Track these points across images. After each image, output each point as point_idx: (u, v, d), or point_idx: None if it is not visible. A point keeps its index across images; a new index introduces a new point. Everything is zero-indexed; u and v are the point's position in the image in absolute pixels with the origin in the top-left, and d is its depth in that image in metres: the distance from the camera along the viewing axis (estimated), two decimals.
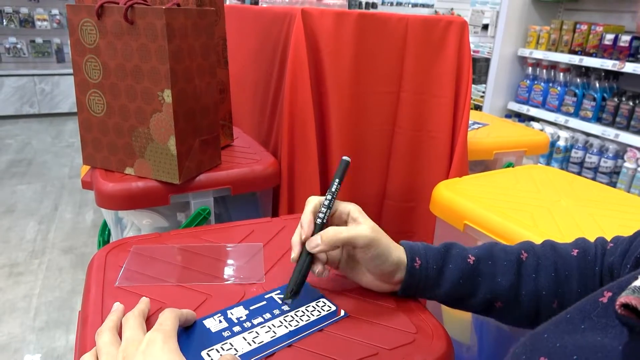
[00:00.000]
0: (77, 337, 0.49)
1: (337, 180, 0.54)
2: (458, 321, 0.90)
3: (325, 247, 0.50)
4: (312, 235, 0.51)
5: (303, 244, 0.51)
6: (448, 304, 0.55)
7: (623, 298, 0.28)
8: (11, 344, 1.55)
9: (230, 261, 0.61)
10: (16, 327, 1.63)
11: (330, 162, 1.00)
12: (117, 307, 0.48)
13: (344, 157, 0.56)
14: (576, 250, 0.52)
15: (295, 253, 0.51)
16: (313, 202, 0.53)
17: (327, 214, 0.52)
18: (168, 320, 0.43)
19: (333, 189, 0.53)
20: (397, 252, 0.52)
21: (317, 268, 0.51)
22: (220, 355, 0.44)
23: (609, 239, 0.53)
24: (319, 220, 0.52)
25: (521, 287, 0.51)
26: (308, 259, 0.51)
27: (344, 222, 0.53)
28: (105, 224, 1.04)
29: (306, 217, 0.52)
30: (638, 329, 0.27)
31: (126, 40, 0.75)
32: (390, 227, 1.11)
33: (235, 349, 0.45)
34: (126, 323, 0.44)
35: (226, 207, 0.94)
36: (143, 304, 0.48)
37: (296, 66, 0.91)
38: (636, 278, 0.30)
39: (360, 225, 0.51)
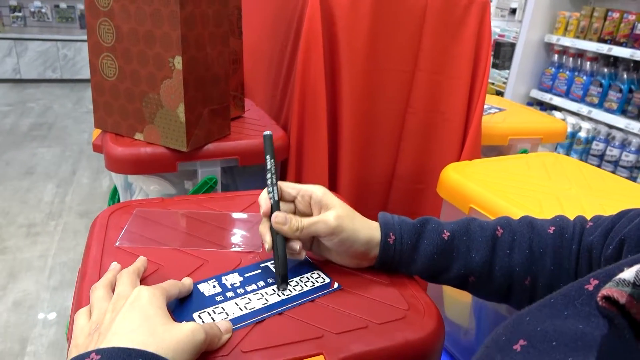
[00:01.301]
0: (75, 292, 0.51)
1: (267, 156, 0.55)
2: (458, 304, 0.90)
3: (290, 234, 0.51)
4: (272, 211, 0.52)
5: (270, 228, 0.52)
6: (424, 278, 0.55)
7: (606, 290, 0.28)
8: (26, 300, 1.61)
9: (230, 229, 0.62)
10: (31, 285, 1.68)
11: (340, 138, 0.99)
12: (114, 266, 0.49)
13: (265, 133, 0.56)
14: (553, 228, 0.51)
15: (267, 241, 0.51)
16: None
17: (275, 190, 0.53)
18: (165, 283, 0.44)
19: (268, 166, 0.54)
20: (367, 231, 0.52)
21: (295, 246, 0.51)
22: (212, 318, 0.45)
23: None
24: (271, 200, 0.53)
25: (495, 263, 0.51)
26: (281, 240, 0.51)
27: (308, 206, 0.53)
28: (115, 189, 1.06)
29: (262, 196, 0.53)
30: (617, 322, 0.27)
31: (139, 5, 0.75)
32: (398, 209, 1.11)
33: (226, 313, 0.46)
34: (120, 279, 0.45)
35: (234, 178, 0.94)
36: (139, 262, 0.49)
37: (310, 39, 0.90)
38: (621, 270, 0.29)
39: (323, 214, 0.51)
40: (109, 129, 0.86)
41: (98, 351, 0.33)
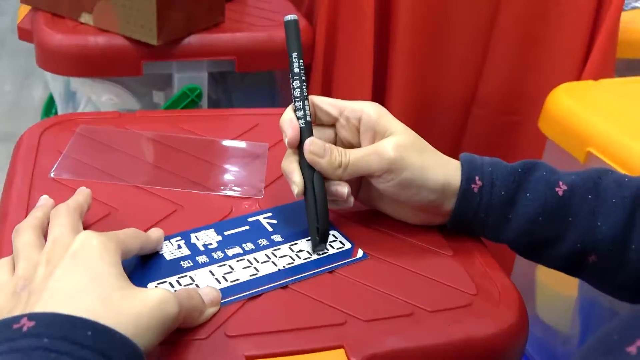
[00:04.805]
0: None
1: (293, 54, 0.55)
2: (556, 299, 0.91)
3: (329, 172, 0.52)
4: (302, 139, 0.53)
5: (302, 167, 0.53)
6: (517, 251, 0.56)
7: None
8: None
9: (218, 163, 0.63)
10: None
11: (393, 38, 0.99)
12: (45, 201, 0.51)
13: (288, 17, 0.56)
14: None
15: (296, 182, 0.52)
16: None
17: (306, 107, 0.54)
18: (121, 232, 0.46)
19: (295, 69, 0.54)
20: (442, 171, 0.53)
21: (342, 189, 0.52)
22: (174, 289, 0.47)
23: None
24: (301, 122, 0.53)
25: (632, 240, 0.51)
26: (320, 180, 0.52)
27: (355, 133, 0.54)
28: (51, 99, 1.09)
29: (286, 116, 0.54)
30: None
31: None
32: (477, 148, 1.10)
33: (197, 285, 0.48)
34: (55, 218, 0.46)
35: (227, 91, 0.96)
36: (81, 195, 0.51)
37: None
38: None
39: (378, 143, 0.52)
40: (43, 6, 0.87)
41: (31, 316, 0.35)
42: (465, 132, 1.11)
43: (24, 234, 0.46)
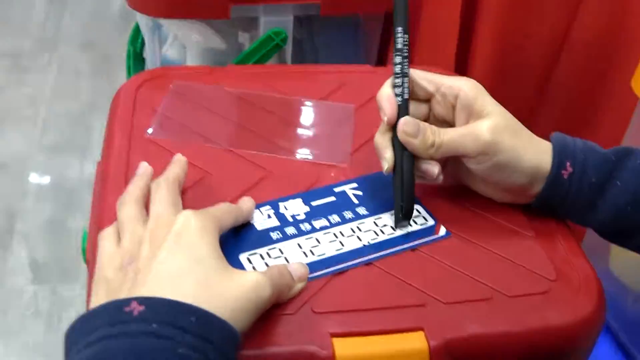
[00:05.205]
0: (94, 198, 0.57)
1: (399, 28, 0.54)
2: (630, 255, 0.90)
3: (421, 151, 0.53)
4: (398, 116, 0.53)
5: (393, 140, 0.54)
6: (603, 235, 0.56)
7: None
8: (13, 162, 1.79)
9: (304, 125, 0.65)
10: (19, 140, 1.86)
11: None
12: (145, 170, 0.54)
13: None
14: None
15: (387, 158, 0.53)
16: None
17: (405, 85, 0.54)
18: (217, 209, 0.48)
19: (399, 45, 0.54)
20: (534, 156, 0.52)
21: (433, 169, 0.53)
22: (265, 263, 0.50)
23: None
24: (399, 99, 0.53)
25: None
26: (409, 159, 0.53)
27: (450, 110, 0.54)
28: (137, 29, 1.11)
29: (384, 92, 0.54)
30: None
31: None
32: (560, 101, 1.07)
33: (285, 259, 0.50)
34: (156, 192, 0.49)
35: (311, 34, 0.96)
36: (178, 166, 0.54)
37: None
38: None
39: (474, 124, 0.52)
40: None
41: (141, 300, 0.38)
42: (550, 81, 1.07)
43: (128, 207, 0.49)
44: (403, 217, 0.54)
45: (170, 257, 0.42)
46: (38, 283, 1.45)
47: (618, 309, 0.91)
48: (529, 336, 0.48)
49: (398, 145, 0.53)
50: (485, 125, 0.51)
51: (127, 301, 0.38)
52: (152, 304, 0.38)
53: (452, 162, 0.57)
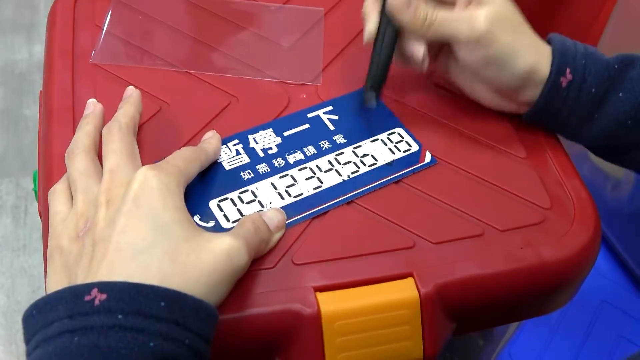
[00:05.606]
0: (40, 134, 0.52)
1: None
2: None
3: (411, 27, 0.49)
4: None
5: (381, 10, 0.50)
6: (595, 151, 0.55)
7: None
8: None
9: (269, 38, 0.59)
10: None
11: None
12: (93, 109, 0.48)
13: None
14: None
15: (369, 28, 0.50)
16: None
17: None
18: (179, 158, 0.43)
19: None
20: (531, 56, 0.50)
21: (418, 49, 0.50)
22: (238, 210, 0.46)
23: None
24: None
25: None
26: (391, 32, 0.50)
27: None
28: None
29: None
30: None
31: None
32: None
33: (259, 202, 0.47)
34: (109, 142, 0.44)
35: None
36: (133, 104, 0.48)
37: None
38: None
39: (471, 9, 0.49)
40: None
41: (102, 286, 0.34)
42: None
43: (78, 159, 0.44)
44: (370, 87, 0.51)
45: (131, 226, 0.38)
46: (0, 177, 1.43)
47: (597, 195, 0.91)
48: (523, 274, 0.46)
49: (386, 17, 0.50)
50: (483, 13, 0.48)
51: (86, 287, 0.34)
52: (114, 290, 0.34)
53: (444, 54, 0.53)
